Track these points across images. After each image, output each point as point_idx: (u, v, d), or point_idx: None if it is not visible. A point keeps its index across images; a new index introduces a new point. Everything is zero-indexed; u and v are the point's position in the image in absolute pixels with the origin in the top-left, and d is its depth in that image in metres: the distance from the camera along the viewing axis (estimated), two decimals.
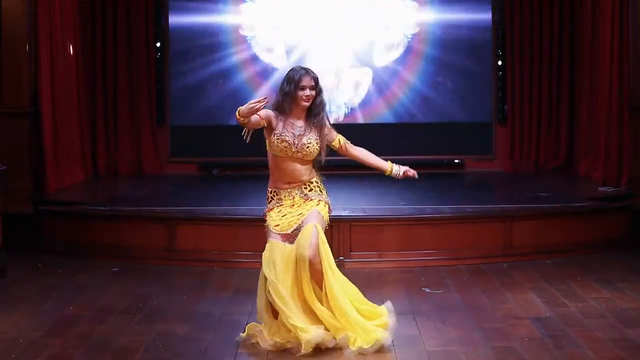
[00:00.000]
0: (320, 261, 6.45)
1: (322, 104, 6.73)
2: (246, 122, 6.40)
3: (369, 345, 6.37)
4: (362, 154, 6.96)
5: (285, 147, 6.58)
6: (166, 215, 9.77)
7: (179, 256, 9.51)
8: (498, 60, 13.53)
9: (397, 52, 13.64)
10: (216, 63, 13.65)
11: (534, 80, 13.38)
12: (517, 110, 13.46)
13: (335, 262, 6.65)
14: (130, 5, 13.27)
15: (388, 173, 6.94)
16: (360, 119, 13.53)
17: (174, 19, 13.60)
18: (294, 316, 6.35)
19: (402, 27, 13.62)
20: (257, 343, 6.55)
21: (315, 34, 13.62)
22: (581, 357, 6.25)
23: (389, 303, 6.72)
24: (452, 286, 8.48)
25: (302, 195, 6.65)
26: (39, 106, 10.85)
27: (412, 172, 6.96)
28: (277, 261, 6.48)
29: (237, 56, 13.62)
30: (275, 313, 6.52)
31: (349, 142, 6.92)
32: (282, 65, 13.45)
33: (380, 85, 13.63)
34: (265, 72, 13.62)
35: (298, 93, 6.59)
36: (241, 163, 13.40)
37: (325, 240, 6.54)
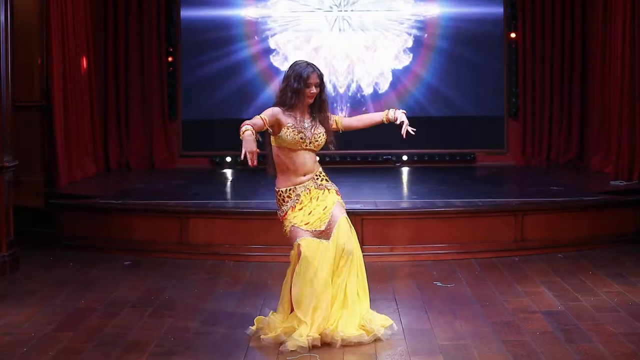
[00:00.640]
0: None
1: (326, 101, 6.75)
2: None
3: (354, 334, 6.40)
4: (358, 121, 6.98)
5: (301, 138, 6.57)
6: (178, 208, 9.78)
7: (190, 250, 9.51)
8: (510, 55, 13.51)
9: (410, 46, 13.63)
10: (227, 56, 13.67)
11: (545, 74, 13.38)
12: (529, 105, 13.46)
13: None
14: None
15: (386, 121, 6.89)
16: (370, 111, 13.50)
17: (186, 13, 13.64)
18: (313, 319, 6.39)
19: (415, 21, 13.61)
20: (263, 336, 6.55)
21: (326, 27, 13.62)
22: (593, 351, 6.24)
23: (393, 326, 6.71)
24: (463, 280, 8.47)
25: (317, 186, 6.65)
26: (50, 100, 10.89)
27: (409, 128, 6.89)
28: (319, 257, 6.46)
29: (248, 49, 13.64)
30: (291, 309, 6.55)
31: (343, 117, 6.94)
32: (293, 58, 13.46)
33: (393, 79, 13.62)
34: (277, 66, 13.62)
35: (305, 90, 6.60)
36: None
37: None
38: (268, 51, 13.67)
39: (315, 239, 6.52)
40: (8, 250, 8.80)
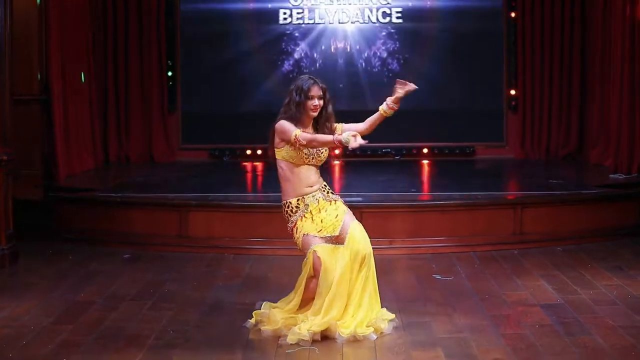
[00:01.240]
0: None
1: (332, 114, 6.73)
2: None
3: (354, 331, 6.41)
4: (364, 124, 6.92)
5: (306, 154, 6.58)
6: (177, 202, 9.78)
7: (190, 243, 9.52)
8: (509, 47, 13.51)
9: (409, 39, 13.63)
10: (227, 49, 13.66)
11: (545, 67, 13.37)
12: (528, 98, 13.45)
13: None
14: None
15: (385, 114, 6.87)
16: (370, 105, 13.49)
17: (185, 5, 13.63)
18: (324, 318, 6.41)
19: (413, 14, 13.62)
20: (262, 328, 6.56)
21: (324, 19, 13.63)
22: (592, 344, 6.24)
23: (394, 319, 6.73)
24: (462, 273, 8.47)
25: (325, 197, 6.65)
26: (49, 94, 10.87)
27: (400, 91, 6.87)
28: (335, 262, 6.47)
29: (248, 43, 13.62)
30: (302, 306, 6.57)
31: (344, 124, 6.91)
32: (294, 52, 13.50)
33: (391, 72, 13.60)
34: (279, 60, 13.62)
35: (307, 103, 6.59)
36: (252, 149, 13.44)
37: None
38: (268, 45, 13.65)
39: (329, 244, 6.54)
40: (7, 243, 8.81)
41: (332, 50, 13.67)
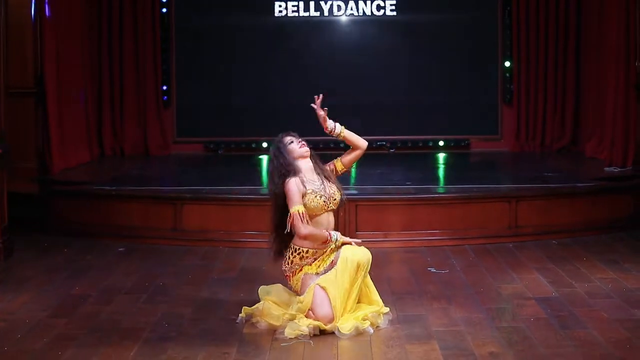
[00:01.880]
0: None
1: (317, 155, 6.76)
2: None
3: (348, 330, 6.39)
4: (351, 150, 6.90)
5: (324, 201, 6.57)
6: (172, 195, 9.77)
7: (185, 236, 9.51)
8: (504, 40, 13.50)
9: (403, 31, 13.63)
10: (222, 43, 13.64)
11: (540, 60, 13.35)
12: (523, 91, 13.45)
13: None
14: None
15: (340, 136, 6.83)
16: (363, 99, 13.49)
17: None
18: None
19: (407, 6, 13.61)
20: (257, 322, 6.56)
21: (319, 12, 13.63)
22: (587, 337, 6.25)
23: (389, 313, 6.73)
24: (457, 266, 8.48)
25: (335, 249, 6.63)
26: (44, 86, 10.86)
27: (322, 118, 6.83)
28: (335, 286, 6.46)
29: (243, 35, 13.60)
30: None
31: (340, 158, 6.90)
32: (289, 44, 13.51)
33: (385, 65, 13.60)
34: (274, 52, 13.61)
35: (290, 147, 6.58)
36: (247, 142, 13.45)
37: None
38: (264, 37, 13.64)
39: (328, 273, 6.54)
40: (2, 237, 8.80)
41: (327, 42, 13.64)
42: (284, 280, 6.83)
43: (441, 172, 12.09)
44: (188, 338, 6.34)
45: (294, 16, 13.62)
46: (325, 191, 6.60)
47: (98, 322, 6.73)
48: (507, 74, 13.53)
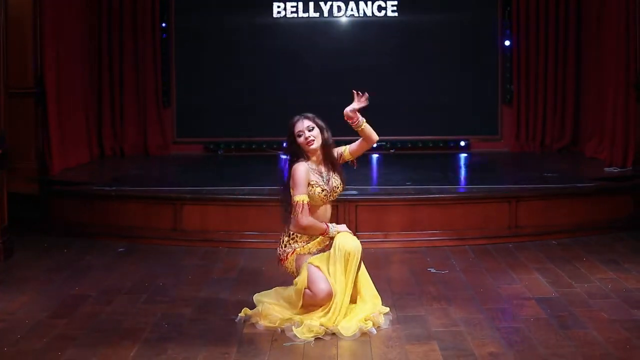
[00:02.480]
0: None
1: (330, 144, 6.72)
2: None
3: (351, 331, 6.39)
4: (361, 145, 6.90)
5: (325, 195, 6.59)
6: (172, 195, 9.76)
7: (184, 236, 9.51)
8: (504, 40, 13.51)
9: (403, 32, 13.63)
10: (222, 43, 13.64)
11: (540, 60, 13.36)
12: (523, 91, 13.45)
13: None
14: None
15: (359, 129, 6.82)
16: (364, 100, 13.44)
17: None
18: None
19: (408, 7, 13.61)
20: (257, 323, 6.56)
21: (319, 13, 13.63)
22: (587, 337, 6.25)
23: (389, 313, 6.73)
24: (457, 266, 8.48)
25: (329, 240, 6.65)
26: (43, 86, 10.85)
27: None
28: (328, 265, 6.47)
29: (243, 36, 13.60)
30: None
31: (348, 146, 6.90)
32: (289, 45, 13.51)
33: (385, 66, 13.60)
34: (273, 53, 13.61)
35: (299, 141, 6.59)
36: (247, 143, 13.45)
37: None
38: (263, 38, 13.64)
39: (320, 254, 6.55)
40: (2, 237, 8.80)
41: (327, 43, 13.64)
42: (283, 281, 6.82)
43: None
44: (188, 338, 6.35)
45: (293, 17, 13.61)
46: (328, 184, 6.61)
47: (98, 322, 6.73)
48: (507, 74, 13.53)
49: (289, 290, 6.68)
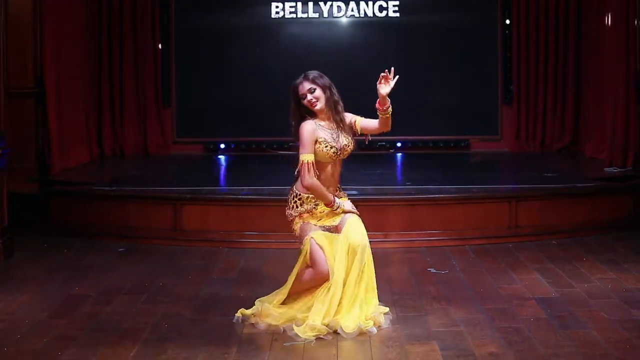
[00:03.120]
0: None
1: (336, 100, 6.70)
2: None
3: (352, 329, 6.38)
4: (376, 122, 6.90)
5: (334, 152, 6.56)
6: (172, 195, 9.76)
7: (184, 236, 9.51)
8: (504, 40, 13.51)
9: (404, 32, 13.62)
10: (222, 43, 13.65)
11: (540, 60, 13.36)
12: (523, 91, 13.45)
13: None
14: None
15: (384, 116, 6.83)
16: (363, 100, 13.44)
17: None
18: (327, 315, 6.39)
19: (409, 8, 13.61)
20: (256, 323, 6.56)
21: (318, 13, 13.63)
22: (587, 337, 6.25)
23: (389, 313, 6.73)
24: (457, 266, 8.47)
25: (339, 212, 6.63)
26: (44, 87, 10.85)
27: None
28: (332, 249, 6.45)
29: (242, 36, 13.59)
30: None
31: (363, 119, 6.91)
32: (288, 45, 13.50)
33: (385, 66, 13.57)
34: (272, 53, 13.60)
35: (304, 102, 6.58)
36: (247, 143, 13.46)
37: None
38: (262, 38, 13.64)
39: (326, 232, 6.53)
40: (2, 237, 8.79)
41: (327, 43, 13.63)
42: (284, 281, 6.82)
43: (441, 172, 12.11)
44: (188, 338, 6.34)
45: (293, 17, 13.62)
46: (337, 142, 6.59)
47: (98, 322, 6.73)
48: (507, 74, 13.53)
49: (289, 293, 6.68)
